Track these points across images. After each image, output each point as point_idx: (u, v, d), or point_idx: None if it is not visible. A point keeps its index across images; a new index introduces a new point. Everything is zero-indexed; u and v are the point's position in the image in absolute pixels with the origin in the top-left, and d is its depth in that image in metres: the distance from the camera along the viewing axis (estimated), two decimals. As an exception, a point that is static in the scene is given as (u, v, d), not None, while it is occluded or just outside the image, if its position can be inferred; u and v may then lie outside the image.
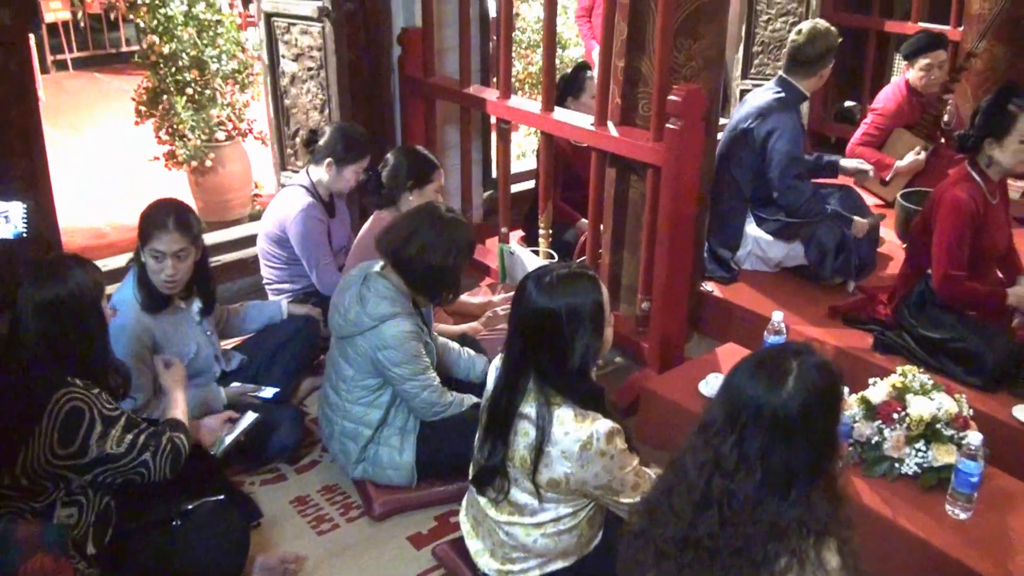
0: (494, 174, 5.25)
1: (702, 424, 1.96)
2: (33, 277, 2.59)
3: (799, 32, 4.34)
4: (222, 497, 2.92)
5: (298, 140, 4.68)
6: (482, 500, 2.59)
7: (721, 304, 4.33)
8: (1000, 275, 3.89)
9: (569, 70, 5.06)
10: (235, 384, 3.56)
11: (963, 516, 2.81)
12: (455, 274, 3.20)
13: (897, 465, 2.96)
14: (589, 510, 2.53)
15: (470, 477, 2.63)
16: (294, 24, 4.55)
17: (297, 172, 4.53)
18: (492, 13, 5.74)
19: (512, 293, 2.56)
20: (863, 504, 2.87)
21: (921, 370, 3.17)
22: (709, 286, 4.41)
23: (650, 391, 3.67)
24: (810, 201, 4.26)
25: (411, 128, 4.82)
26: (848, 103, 6.98)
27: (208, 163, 5.60)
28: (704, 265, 4.43)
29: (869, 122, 5.40)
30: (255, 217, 5.70)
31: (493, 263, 4.58)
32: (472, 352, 3.63)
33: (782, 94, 4.34)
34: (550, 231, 4.37)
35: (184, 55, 5.46)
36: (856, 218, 4.36)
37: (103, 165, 7.14)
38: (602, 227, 4.14)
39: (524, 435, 2.41)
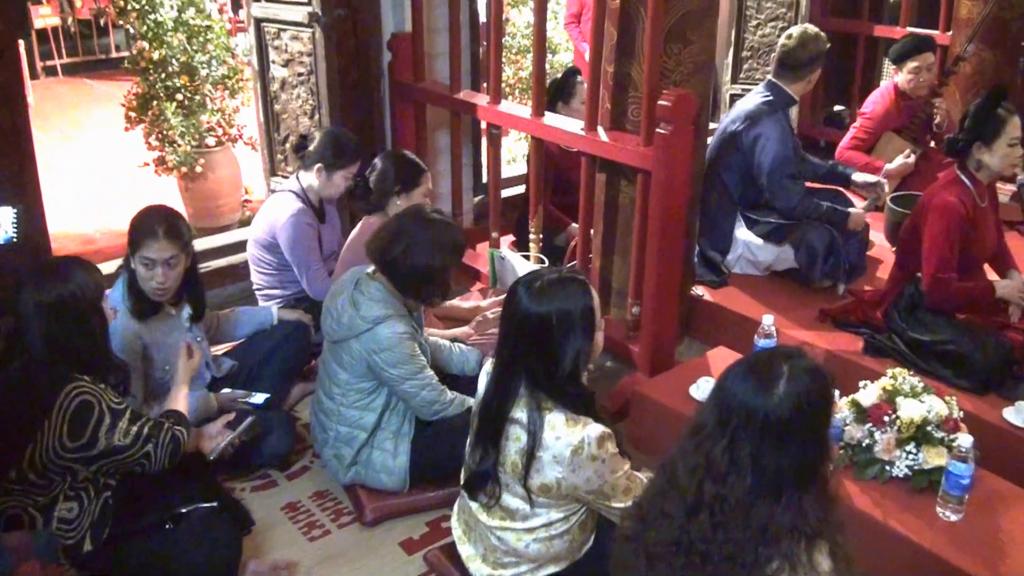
0: (484, 179, 5.25)
1: (693, 428, 1.96)
2: (36, 279, 2.65)
3: (789, 36, 4.36)
4: (215, 504, 2.92)
5: (288, 145, 4.68)
6: (474, 505, 2.58)
7: (711, 308, 4.33)
8: (991, 277, 3.90)
9: (559, 75, 5.06)
10: (225, 390, 3.55)
11: (954, 518, 2.82)
12: (441, 274, 3.19)
13: (888, 468, 2.97)
14: (581, 515, 2.53)
15: (461, 482, 2.63)
16: (284, 30, 4.55)
17: (287, 178, 4.52)
18: (482, 18, 5.74)
19: (502, 297, 2.56)
20: (854, 507, 2.87)
21: (911, 373, 3.18)
22: (699, 290, 4.41)
23: (641, 395, 3.67)
24: (804, 200, 4.27)
25: (401, 133, 4.82)
26: (837, 107, 7.01)
27: (198, 169, 5.59)
28: (694, 269, 4.44)
29: (858, 126, 5.42)
30: (245, 223, 5.69)
31: (484, 268, 4.58)
32: (463, 347, 3.63)
33: (770, 97, 4.35)
34: (540, 236, 4.38)
35: (174, 61, 5.46)
36: (851, 210, 4.37)
37: (93, 171, 7.13)
38: (592, 231, 4.14)
39: (515, 440, 2.41)
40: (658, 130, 3.54)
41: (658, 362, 3.88)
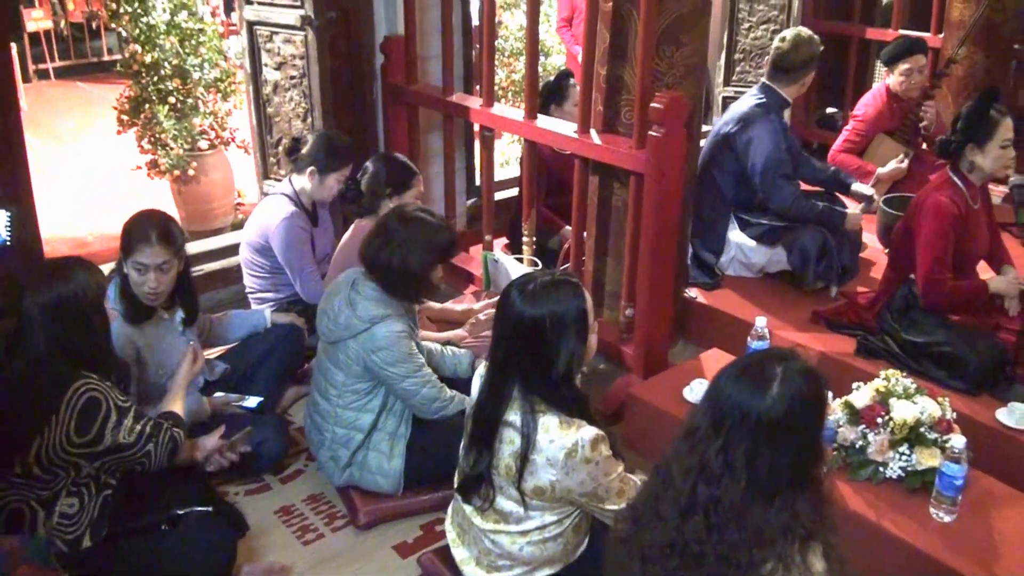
0: (478, 182, 5.25)
1: (687, 430, 1.97)
2: (38, 279, 2.70)
3: (783, 39, 4.37)
4: (210, 509, 2.93)
5: (281, 149, 4.67)
6: (467, 508, 2.58)
7: (705, 310, 4.34)
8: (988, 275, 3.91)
9: (552, 78, 5.07)
10: (219, 394, 3.55)
11: (947, 519, 2.82)
12: (421, 272, 3.15)
13: (881, 469, 2.97)
14: (575, 518, 2.53)
15: (455, 485, 2.63)
16: (276, 33, 4.54)
17: (280, 181, 4.51)
18: (475, 21, 5.74)
19: (495, 299, 2.55)
20: (848, 508, 2.88)
21: (904, 374, 3.19)
22: (693, 292, 4.42)
23: (635, 397, 3.67)
24: (798, 200, 4.27)
25: (394, 136, 4.82)
26: (830, 109, 7.02)
27: (191, 172, 5.58)
28: (688, 271, 4.44)
29: (850, 128, 5.44)
30: (238, 226, 5.68)
31: (477, 271, 4.58)
32: (456, 349, 3.63)
33: (764, 100, 4.36)
34: (534, 238, 4.38)
35: (166, 64, 5.45)
36: (849, 211, 4.38)
37: (85, 174, 7.11)
38: (585, 234, 4.15)
39: (509, 443, 2.40)
40: (651, 133, 3.55)
41: (651, 364, 3.88)
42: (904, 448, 2.96)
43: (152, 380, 3.31)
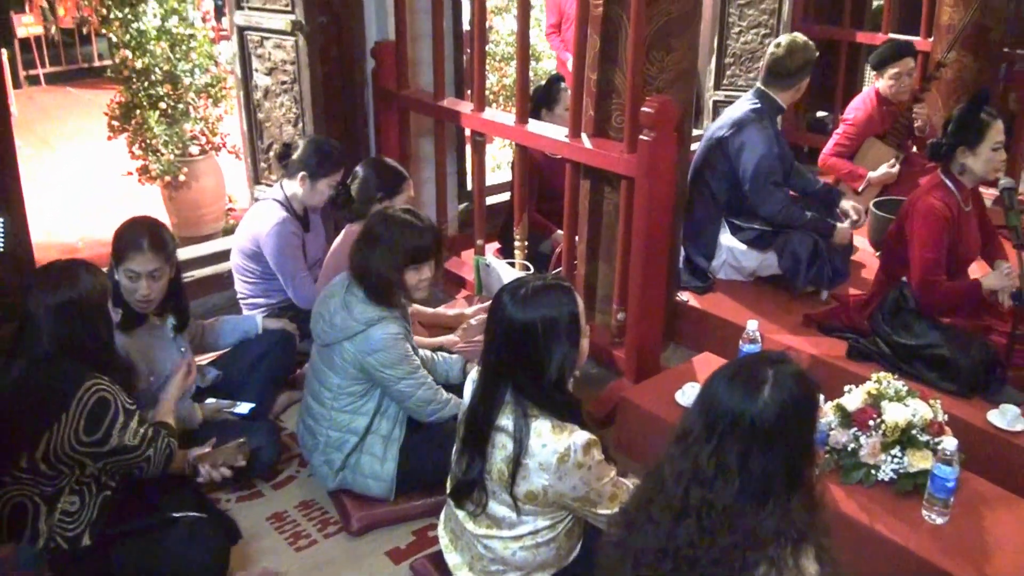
0: (469, 186, 5.25)
1: (679, 434, 1.97)
2: (44, 282, 2.73)
3: (778, 45, 4.38)
4: (204, 515, 2.92)
5: (272, 154, 4.66)
6: (460, 514, 2.58)
7: (697, 314, 4.34)
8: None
9: (543, 82, 5.07)
10: (210, 400, 3.54)
11: (940, 521, 2.83)
12: (384, 272, 3.11)
13: (873, 472, 2.97)
14: (567, 522, 2.53)
15: (448, 491, 2.62)
16: (267, 38, 4.54)
17: (271, 186, 4.51)
18: (465, 26, 5.75)
19: (487, 304, 2.55)
20: (840, 511, 2.88)
21: (896, 377, 3.19)
22: (684, 296, 4.42)
23: (627, 401, 3.67)
24: (787, 208, 4.28)
25: (385, 141, 4.82)
26: (820, 113, 7.05)
27: (181, 178, 5.58)
28: (679, 275, 4.45)
29: (841, 132, 5.44)
30: (229, 231, 5.67)
31: (469, 275, 4.58)
32: (447, 355, 3.62)
33: (758, 105, 4.37)
34: (526, 243, 4.38)
35: (157, 69, 5.44)
36: (839, 225, 4.39)
37: (76, 180, 7.10)
38: (577, 238, 4.15)
39: (501, 448, 2.40)
40: (641, 137, 3.55)
41: (644, 368, 3.88)
42: (896, 451, 2.96)
43: (144, 387, 3.29)
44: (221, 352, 3.88)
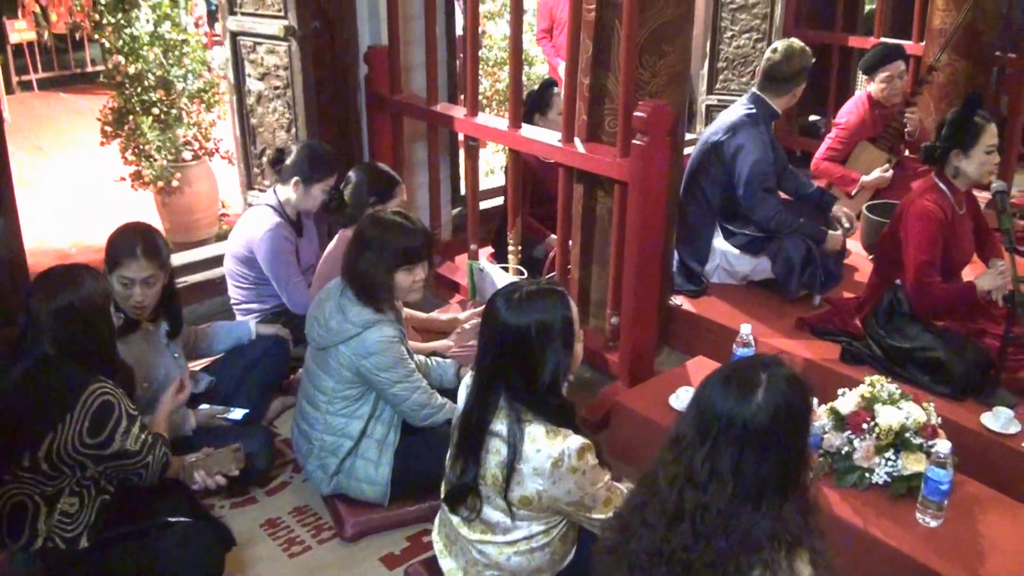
0: (462, 191, 5.25)
1: (673, 437, 1.97)
2: (46, 285, 2.74)
3: (774, 50, 4.39)
4: (199, 521, 2.92)
5: (265, 159, 4.66)
6: (454, 519, 2.57)
7: (690, 318, 4.35)
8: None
9: (536, 87, 5.08)
10: (204, 406, 3.53)
11: (934, 524, 2.83)
12: (372, 274, 3.11)
13: (867, 475, 2.98)
14: (562, 527, 2.53)
15: (442, 496, 2.62)
16: (260, 43, 4.54)
17: (264, 191, 4.51)
18: (459, 31, 5.75)
19: (480, 308, 2.55)
20: (834, 514, 2.88)
21: (889, 380, 3.20)
22: (678, 300, 4.43)
23: (621, 405, 3.67)
24: (780, 214, 4.28)
25: (378, 146, 4.81)
26: (813, 117, 7.06)
27: (175, 183, 5.57)
28: (673, 279, 4.45)
29: (833, 136, 5.46)
30: (222, 237, 5.65)
31: (463, 280, 4.58)
32: (441, 360, 3.62)
33: (754, 110, 4.37)
34: (519, 247, 4.38)
35: (150, 75, 5.43)
36: (831, 232, 4.39)
37: (69, 186, 7.07)
38: (571, 243, 4.15)
39: (495, 453, 2.40)
40: (634, 141, 3.56)
41: (637, 372, 3.89)
42: (890, 453, 2.97)
43: (138, 393, 3.29)
44: (214, 358, 3.88)
